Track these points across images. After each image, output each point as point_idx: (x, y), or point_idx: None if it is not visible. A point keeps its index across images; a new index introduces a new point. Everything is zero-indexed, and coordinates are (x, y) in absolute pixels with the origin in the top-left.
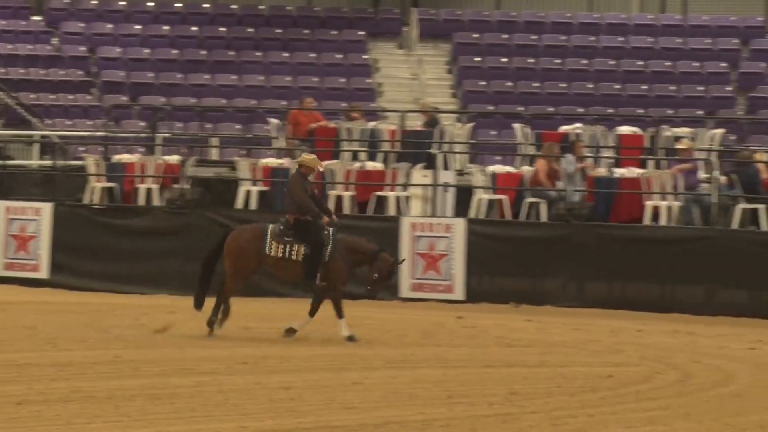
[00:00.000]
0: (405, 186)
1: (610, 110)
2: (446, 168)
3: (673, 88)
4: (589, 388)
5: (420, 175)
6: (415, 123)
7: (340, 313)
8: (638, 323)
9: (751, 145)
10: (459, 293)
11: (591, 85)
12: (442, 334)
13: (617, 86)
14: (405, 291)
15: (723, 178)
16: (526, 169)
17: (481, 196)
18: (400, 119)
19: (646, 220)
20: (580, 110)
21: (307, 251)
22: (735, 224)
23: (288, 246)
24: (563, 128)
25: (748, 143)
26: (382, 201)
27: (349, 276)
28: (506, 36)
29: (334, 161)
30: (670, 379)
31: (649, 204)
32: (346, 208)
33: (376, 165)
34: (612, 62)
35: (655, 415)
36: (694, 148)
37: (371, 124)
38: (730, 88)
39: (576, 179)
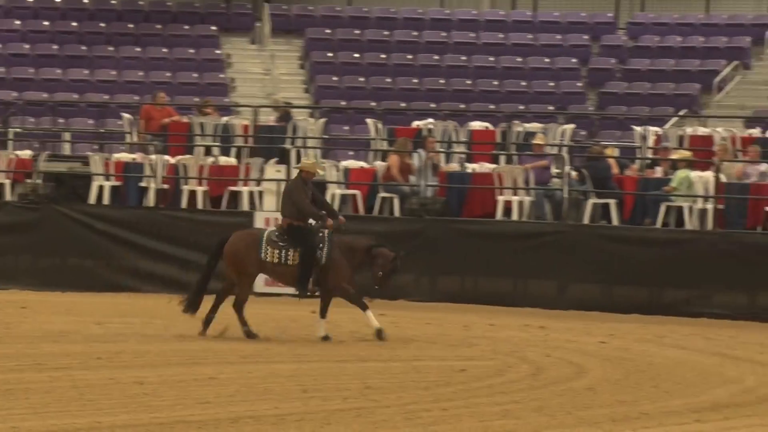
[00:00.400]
0: (258, 181)
1: (462, 106)
2: (299, 163)
3: (524, 83)
4: (442, 382)
5: (273, 170)
6: (268, 118)
7: (323, 313)
8: (490, 318)
9: (602, 141)
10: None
11: (443, 81)
12: (296, 329)
13: (469, 82)
14: (259, 286)
15: (574, 173)
16: (379, 165)
17: (334, 191)
18: (253, 114)
19: (498, 215)
20: (432, 106)
21: (301, 256)
22: (586, 219)
23: (283, 251)
24: (415, 124)
25: (598, 138)
26: (235, 196)
27: (351, 275)
28: (358, 31)
29: (187, 156)
30: (522, 373)
31: (501, 199)
32: (200, 203)
33: (229, 160)
34: (463, 58)
35: (508, 409)
36: (545, 143)
37: (224, 119)
38: (580, 84)
39: (428, 174)
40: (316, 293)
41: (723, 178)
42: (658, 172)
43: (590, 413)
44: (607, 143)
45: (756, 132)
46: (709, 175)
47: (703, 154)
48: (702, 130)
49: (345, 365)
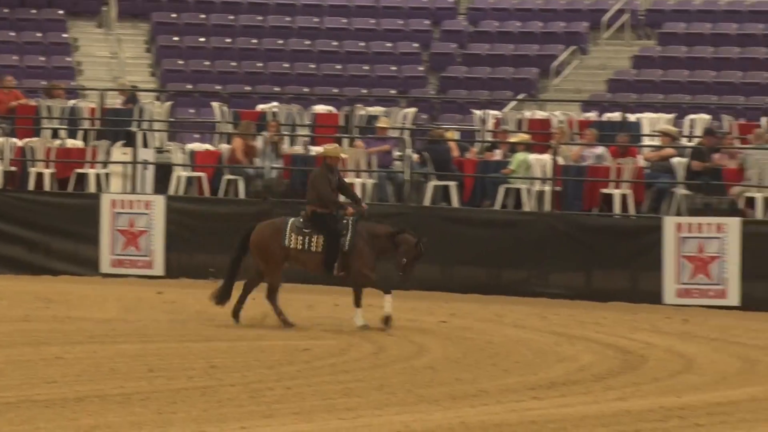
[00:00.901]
0: (105, 163)
1: (306, 89)
2: (146, 146)
3: (366, 68)
4: (286, 361)
5: (120, 152)
6: (115, 101)
7: (357, 303)
8: (335, 298)
9: (443, 124)
10: (159, 269)
11: (287, 65)
12: (142, 309)
13: (312, 66)
14: (105, 267)
15: (415, 156)
16: (224, 147)
17: (180, 174)
18: (100, 97)
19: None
20: (277, 89)
21: (325, 242)
22: (427, 201)
23: (307, 238)
24: (260, 107)
25: (439, 122)
26: (82, 178)
27: (373, 262)
28: (204, 16)
29: (35, 139)
30: (364, 351)
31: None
32: (47, 186)
33: (76, 143)
34: (307, 42)
35: (350, 387)
36: (388, 126)
37: (71, 102)
38: (421, 68)
39: (272, 157)
40: (342, 276)
41: (560, 161)
42: (497, 154)
43: (430, 391)
44: (447, 127)
45: (592, 116)
46: (546, 157)
47: (540, 137)
48: (540, 114)
49: (190, 345)
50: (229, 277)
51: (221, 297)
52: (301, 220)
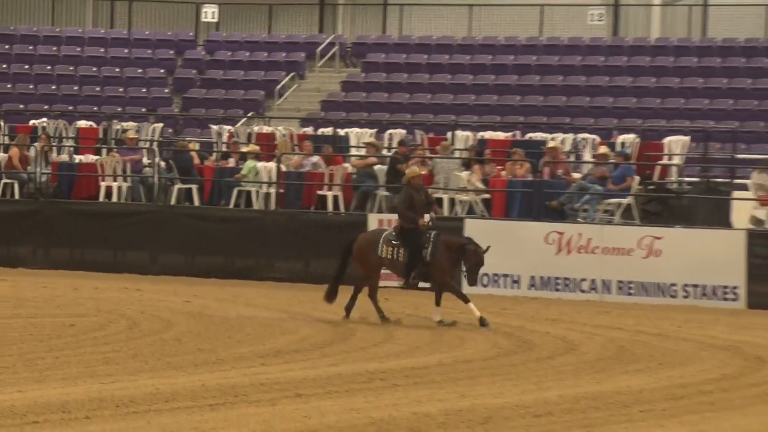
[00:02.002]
0: None
1: (71, 108)
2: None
3: (121, 90)
4: (55, 335)
5: None
6: None
7: (437, 302)
8: (96, 282)
9: (186, 137)
10: None
11: (54, 87)
12: None
13: (76, 88)
14: None
15: (163, 163)
16: (2, 156)
17: None
18: None
19: (101, 197)
20: (46, 107)
21: (408, 253)
22: (173, 201)
23: (395, 249)
24: (32, 122)
25: (182, 135)
26: None
27: (451, 269)
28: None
29: None
30: (121, 327)
31: (103, 185)
32: None
33: None
34: (71, 68)
35: (109, 356)
36: (138, 138)
37: None
38: (167, 90)
39: (42, 164)
40: (416, 284)
41: (283, 168)
42: (231, 162)
43: (176, 359)
44: (190, 139)
45: (309, 130)
46: (272, 165)
47: (267, 148)
48: (266, 129)
49: None
50: (336, 278)
51: (330, 296)
52: (393, 233)
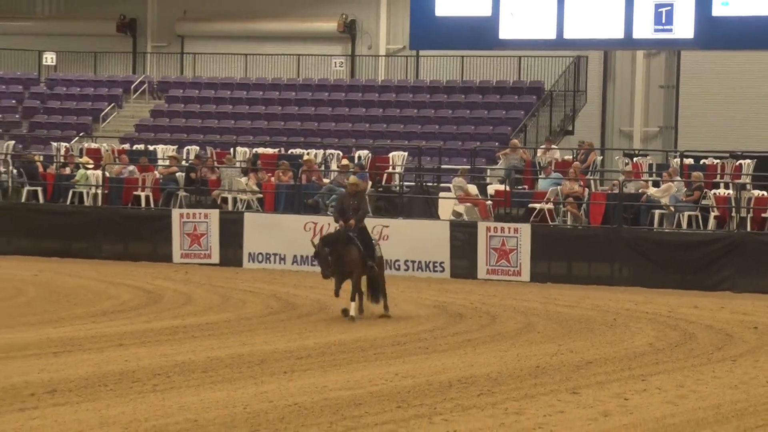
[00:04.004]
0: None
1: None
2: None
3: None
4: None
5: None
6: None
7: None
8: None
9: (32, 151)
10: None
11: None
12: None
13: None
14: None
15: (15, 171)
16: None
17: None
18: None
19: None
20: None
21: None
22: (23, 199)
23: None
24: None
25: (30, 150)
26: None
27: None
28: None
29: None
30: None
31: None
32: None
33: None
34: None
35: None
36: None
37: None
38: (18, 116)
39: None
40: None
41: (107, 174)
42: (68, 170)
43: (27, 318)
44: (35, 153)
45: (126, 146)
46: (98, 172)
47: (95, 159)
48: (94, 145)
49: None
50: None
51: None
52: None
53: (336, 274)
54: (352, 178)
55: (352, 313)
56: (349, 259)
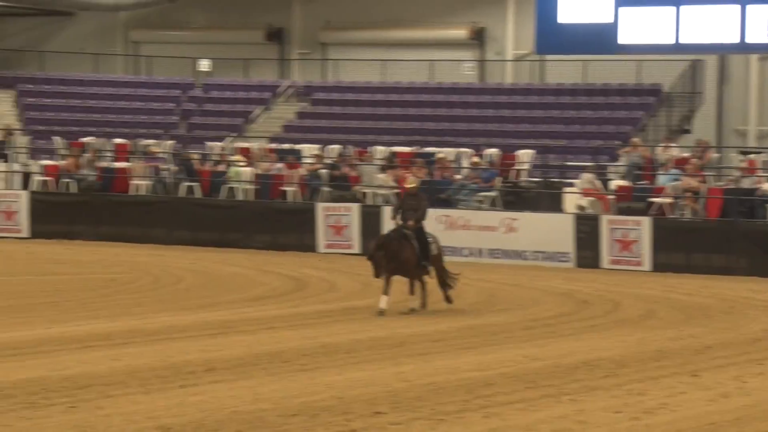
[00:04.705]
0: None
1: (109, 129)
2: (16, 161)
3: (145, 117)
4: (102, 286)
5: (1, 166)
6: None
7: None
8: (130, 250)
9: (189, 150)
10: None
11: (98, 115)
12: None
13: (112, 116)
14: None
15: (174, 168)
16: (63, 162)
17: (37, 178)
18: None
19: (132, 191)
20: (93, 129)
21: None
22: (182, 194)
23: None
24: (81, 139)
25: (188, 149)
26: None
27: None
28: (48, 87)
29: None
30: (148, 281)
31: (132, 183)
32: None
33: None
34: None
35: (140, 301)
36: (159, 151)
37: None
38: (176, 118)
39: (91, 168)
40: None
41: (258, 171)
42: (222, 167)
43: (187, 303)
44: (192, 151)
45: (274, 146)
46: (249, 169)
47: (246, 158)
48: (245, 145)
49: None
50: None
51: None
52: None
53: (388, 273)
54: (411, 179)
55: (382, 305)
56: (404, 258)
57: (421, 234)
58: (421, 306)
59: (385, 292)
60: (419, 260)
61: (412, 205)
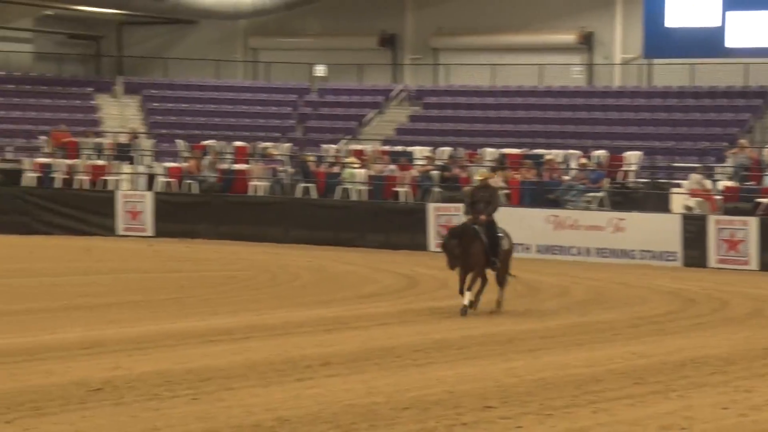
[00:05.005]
0: (118, 173)
1: (230, 133)
2: (141, 163)
3: (263, 120)
4: (222, 283)
5: (126, 167)
6: (122, 139)
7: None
8: (248, 248)
9: (305, 152)
10: (150, 231)
11: (219, 119)
12: (137, 257)
13: (233, 120)
14: (119, 231)
15: (291, 169)
16: (185, 164)
17: (161, 180)
18: (114, 137)
19: (250, 192)
20: (213, 132)
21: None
22: (298, 194)
23: None
24: (203, 142)
25: (304, 151)
26: (104, 182)
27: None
28: (170, 92)
29: (77, 161)
30: (265, 278)
31: (251, 184)
32: (86, 186)
33: (100, 162)
34: (216, 105)
35: (258, 297)
36: (277, 153)
37: (98, 140)
38: (293, 121)
39: (212, 170)
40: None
41: (371, 172)
42: (337, 168)
43: (303, 300)
44: (308, 153)
45: (387, 148)
46: (363, 171)
47: (360, 160)
48: (359, 147)
49: (172, 275)
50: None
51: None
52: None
53: (460, 266)
54: (483, 172)
55: (465, 301)
56: (473, 253)
57: (492, 228)
58: (497, 305)
59: (468, 289)
60: (488, 257)
61: (484, 197)
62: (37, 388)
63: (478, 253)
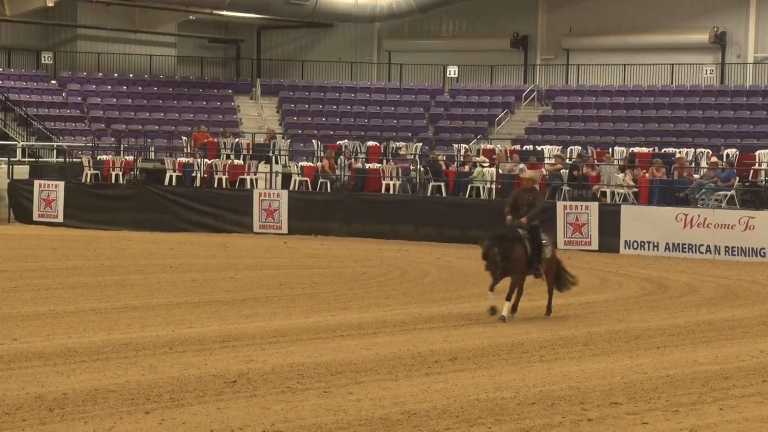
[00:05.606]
0: (255, 173)
1: (362, 133)
2: (277, 163)
3: (395, 121)
4: (353, 279)
5: (263, 167)
6: (261, 139)
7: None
8: (379, 245)
9: (437, 152)
10: (285, 229)
11: (353, 119)
12: (275, 252)
13: (365, 120)
14: (255, 228)
15: (422, 169)
16: (319, 164)
17: (296, 179)
18: (252, 137)
19: (383, 191)
20: (347, 132)
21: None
22: (428, 193)
23: None
24: (338, 142)
25: (434, 151)
26: (242, 181)
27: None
28: (306, 93)
29: (217, 160)
30: (396, 275)
31: (384, 182)
32: (224, 185)
33: (239, 162)
34: (355, 108)
35: (388, 294)
36: (409, 153)
37: (236, 140)
38: (425, 121)
39: (346, 169)
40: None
41: (501, 171)
42: (466, 168)
43: (432, 296)
44: (439, 153)
45: (517, 147)
46: (493, 169)
47: (490, 159)
48: (489, 146)
49: (300, 270)
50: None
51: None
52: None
53: (501, 270)
54: (528, 173)
55: (504, 312)
56: (514, 258)
57: (535, 234)
58: (546, 312)
59: (507, 299)
60: (530, 262)
61: (527, 200)
62: (175, 379)
63: (520, 258)
